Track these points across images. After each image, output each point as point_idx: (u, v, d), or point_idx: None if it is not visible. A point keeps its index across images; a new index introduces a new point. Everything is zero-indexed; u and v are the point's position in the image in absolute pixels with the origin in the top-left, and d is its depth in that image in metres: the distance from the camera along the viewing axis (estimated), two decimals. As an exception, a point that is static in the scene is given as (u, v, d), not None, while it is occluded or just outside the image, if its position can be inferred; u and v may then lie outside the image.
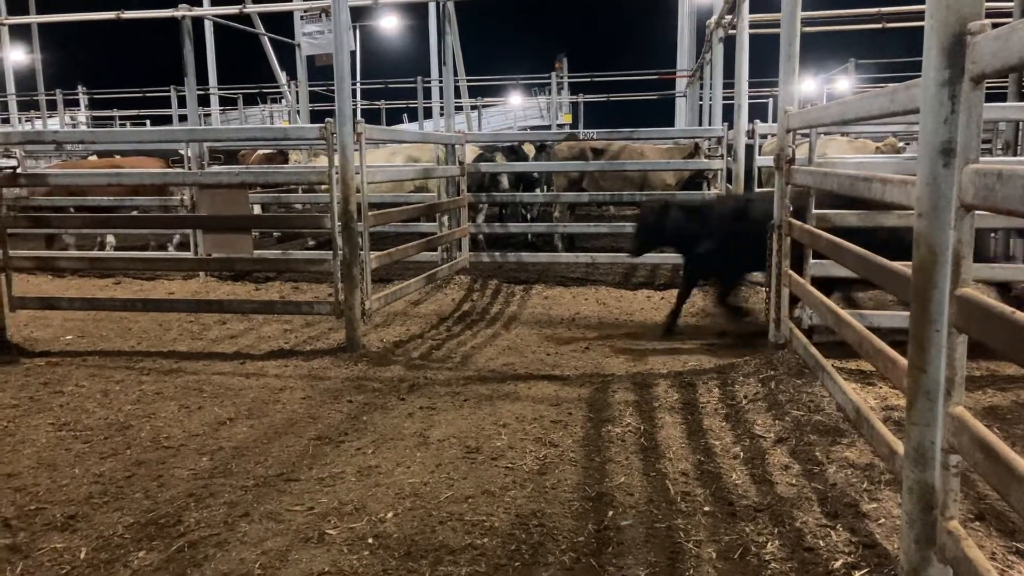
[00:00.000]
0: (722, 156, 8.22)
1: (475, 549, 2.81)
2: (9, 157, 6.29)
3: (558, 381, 4.92)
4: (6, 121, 20.52)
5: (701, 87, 14.26)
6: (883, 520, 2.92)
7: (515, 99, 25.93)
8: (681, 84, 19.71)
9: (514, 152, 11.03)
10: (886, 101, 2.85)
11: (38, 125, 19.83)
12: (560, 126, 18.75)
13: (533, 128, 21.86)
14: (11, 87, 22.58)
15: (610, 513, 3.07)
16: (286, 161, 11.59)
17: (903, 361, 2.43)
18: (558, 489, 3.31)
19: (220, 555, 2.81)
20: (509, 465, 3.58)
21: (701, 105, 14.77)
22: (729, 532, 2.90)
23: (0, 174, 6.01)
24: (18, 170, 6.40)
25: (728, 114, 8.61)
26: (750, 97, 9.62)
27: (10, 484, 3.43)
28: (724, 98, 9.96)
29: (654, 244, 6.55)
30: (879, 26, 10.34)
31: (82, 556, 2.81)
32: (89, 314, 6.82)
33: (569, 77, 20.05)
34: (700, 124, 14.18)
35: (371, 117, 18.58)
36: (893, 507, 3.01)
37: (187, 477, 3.50)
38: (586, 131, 10.21)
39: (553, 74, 19.70)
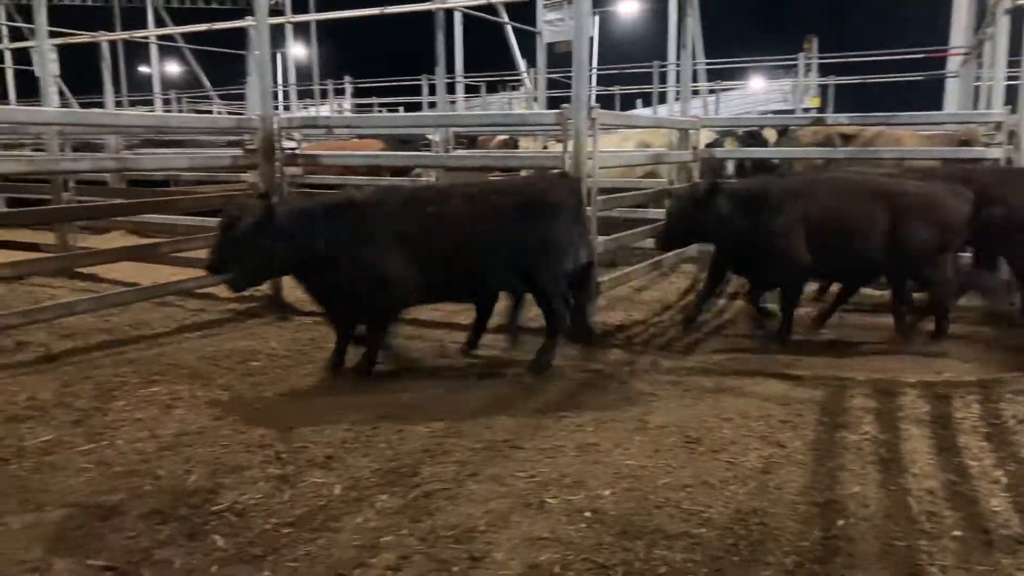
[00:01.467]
0: (1000, 144, 7.22)
1: (691, 537, 2.79)
2: (290, 139, 7.19)
3: (788, 380, 4.66)
4: (287, 108, 23.38)
5: (979, 66, 12.59)
6: None
7: (756, 82, 24.67)
8: (953, 63, 17.54)
9: (753, 138, 10.52)
10: None
11: (312, 112, 22.38)
12: (806, 110, 17.55)
13: (775, 113, 20.66)
14: (292, 78, 25.70)
15: (840, 522, 2.88)
16: (515, 147, 12.03)
17: None
18: (783, 490, 3.17)
19: (450, 508, 3.04)
20: (731, 460, 3.48)
21: (977, 87, 13.04)
22: (983, 562, 2.60)
23: (283, 154, 6.89)
24: (297, 151, 7.30)
25: (1012, 97, 7.52)
26: (1042, 76, 8.34)
27: (282, 424, 3.96)
28: (1008, 78, 8.71)
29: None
30: None
31: (337, 492, 3.19)
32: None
33: (819, 58, 18.68)
34: (975, 108, 12.54)
35: (605, 102, 18.66)
36: None
37: (424, 434, 3.81)
38: (835, 115, 9.46)
39: (801, 55, 18.44)
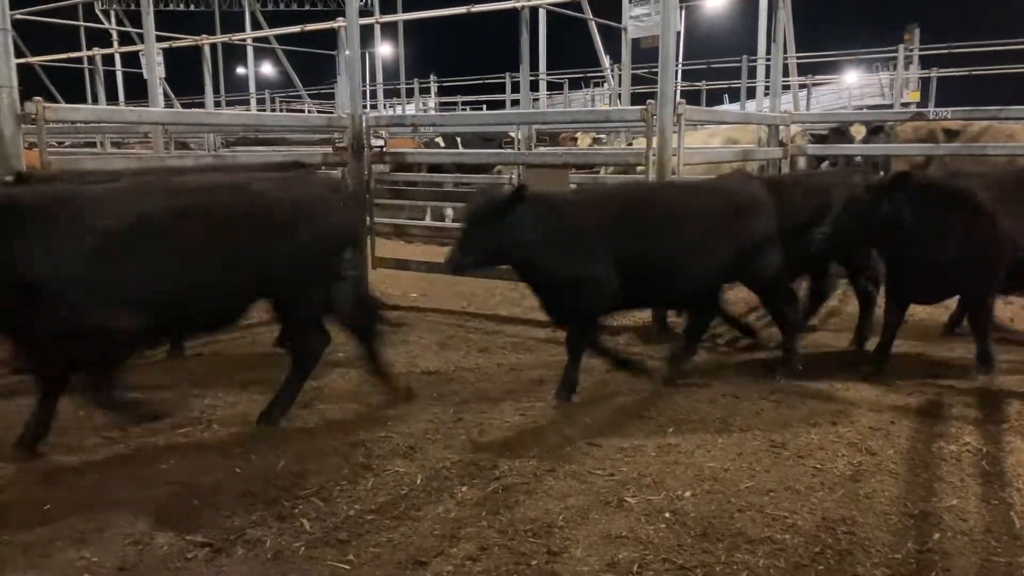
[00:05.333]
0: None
1: (774, 543, 2.72)
2: (378, 137, 7.38)
3: (880, 386, 4.47)
4: (375, 107, 23.95)
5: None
6: None
7: (850, 76, 23.70)
8: (1070, 52, 16.37)
9: (840, 134, 10.12)
10: None
11: (399, 110, 22.85)
12: (904, 105, 16.74)
13: (871, 108, 19.79)
14: (380, 77, 26.26)
15: (936, 535, 2.76)
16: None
17: None
18: (873, 499, 3.06)
19: (528, 502, 3.07)
20: (817, 465, 3.38)
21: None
22: (1093, 585, 2.44)
23: (371, 151, 7.07)
24: (384, 149, 7.48)
25: None
26: None
27: (366, 413, 4.07)
28: None
29: None
30: None
31: (418, 481, 3.26)
32: (428, 276, 7.72)
33: (920, 49, 17.77)
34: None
35: (691, 98, 18.30)
36: None
37: (503, 428, 3.85)
38: (937, 110, 8.97)
39: (901, 47, 17.59)
